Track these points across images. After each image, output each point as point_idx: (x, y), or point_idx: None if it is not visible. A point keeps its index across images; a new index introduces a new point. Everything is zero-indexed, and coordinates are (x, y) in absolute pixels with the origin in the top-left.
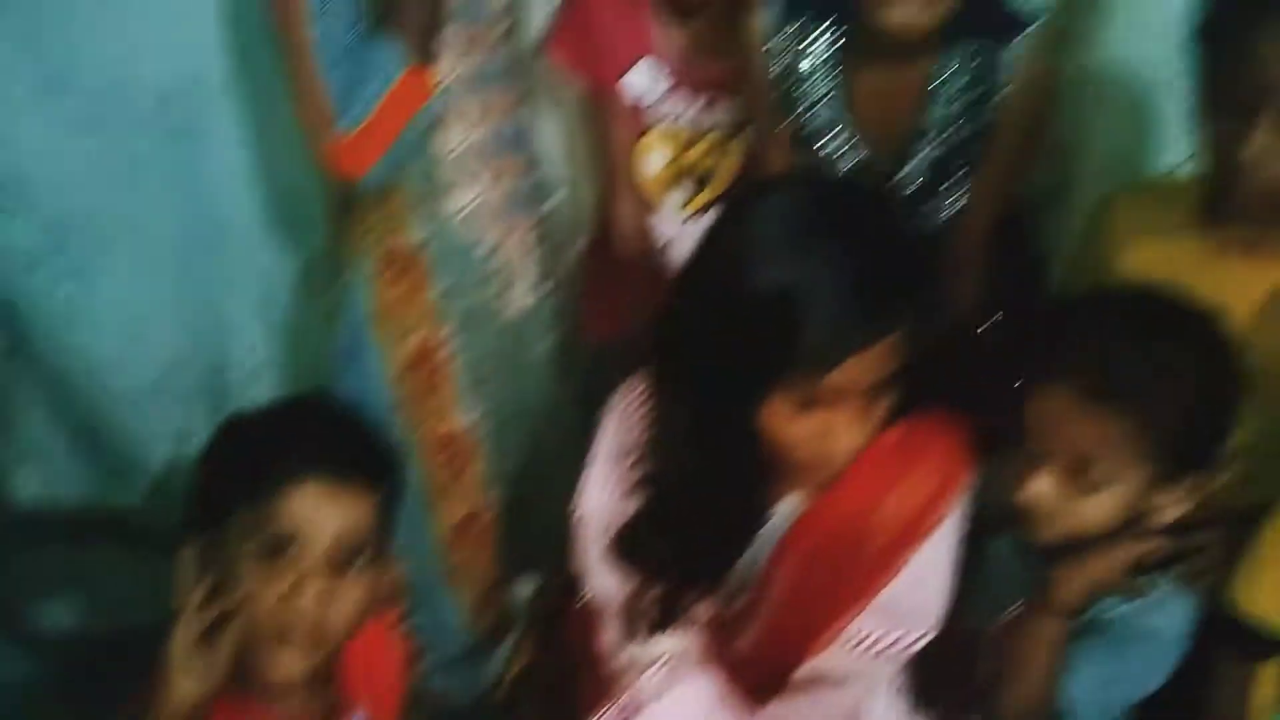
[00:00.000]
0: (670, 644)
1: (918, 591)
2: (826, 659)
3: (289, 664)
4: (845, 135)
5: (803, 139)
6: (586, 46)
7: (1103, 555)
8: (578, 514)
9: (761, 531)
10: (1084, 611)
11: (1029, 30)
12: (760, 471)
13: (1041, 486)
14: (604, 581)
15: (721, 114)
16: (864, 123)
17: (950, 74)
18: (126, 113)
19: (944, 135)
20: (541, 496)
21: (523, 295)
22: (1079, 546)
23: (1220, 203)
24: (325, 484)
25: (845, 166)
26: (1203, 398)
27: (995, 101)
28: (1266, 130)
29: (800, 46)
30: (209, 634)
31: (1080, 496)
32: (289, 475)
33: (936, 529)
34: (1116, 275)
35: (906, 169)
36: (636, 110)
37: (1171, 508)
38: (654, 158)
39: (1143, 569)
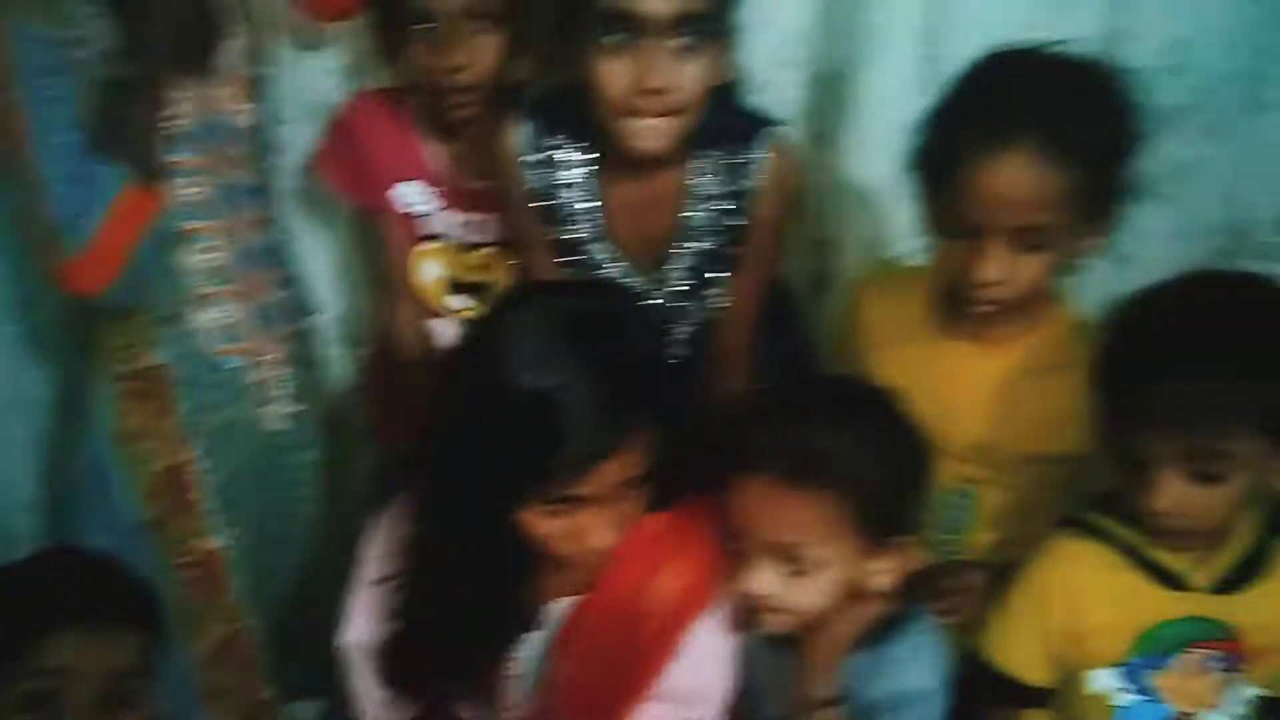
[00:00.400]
0: None
1: (698, 674)
2: None
3: None
4: (606, 246)
5: (566, 251)
6: (354, 168)
7: (837, 625)
8: (344, 634)
9: (536, 634)
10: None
11: (772, 134)
12: (522, 573)
13: (758, 580)
14: (370, 701)
15: (491, 229)
16: (622, 232)
17: (701, 181)
18: None
19: (701, 238)
20: (321, 615)
21: (279, 411)
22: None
23: (954, 302)
24: (83, 632)
25: (608, 275)
26: (890, 469)
27: (746, 202)
28: (996, 251)
29: (555, 162)
30: None
31: (796, 583)
32: (45, 627)
33: (705, 611)
34: (864, 360)
35: (667, 272)
36: (409, 222)
37: (885, 574)
38: (429, 268)
39: (883, 625)
